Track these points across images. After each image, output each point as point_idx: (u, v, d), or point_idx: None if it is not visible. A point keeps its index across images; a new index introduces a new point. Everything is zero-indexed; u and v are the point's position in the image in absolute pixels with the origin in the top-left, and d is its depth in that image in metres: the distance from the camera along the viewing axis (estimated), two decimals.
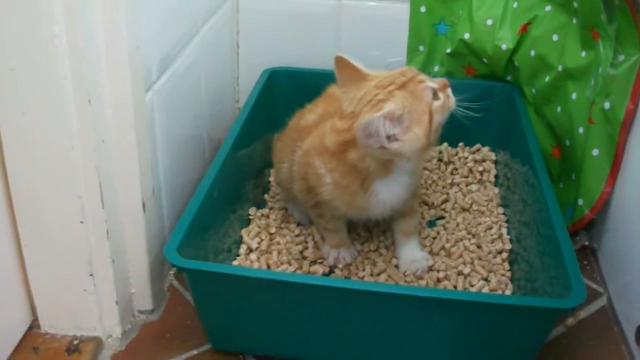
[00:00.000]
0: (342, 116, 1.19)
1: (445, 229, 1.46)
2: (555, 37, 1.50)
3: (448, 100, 1.18)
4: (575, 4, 1.42)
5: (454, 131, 1.63)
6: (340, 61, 1.18)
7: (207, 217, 1.24)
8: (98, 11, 1.03)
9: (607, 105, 1.34)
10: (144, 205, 1.19)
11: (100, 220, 1.12)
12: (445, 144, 1.70)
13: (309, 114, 1.39)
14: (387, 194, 1.24)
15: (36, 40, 0.98)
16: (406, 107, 1.12)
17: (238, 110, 1.83)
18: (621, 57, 1.32)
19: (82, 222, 1.11)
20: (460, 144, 1.71)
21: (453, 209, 1.52)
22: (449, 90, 1.19)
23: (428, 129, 1.14)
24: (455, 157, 1.68)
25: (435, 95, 1.16)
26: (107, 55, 1.06)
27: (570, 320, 1.31)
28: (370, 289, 1.09)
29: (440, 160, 1.67)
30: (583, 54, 1.42)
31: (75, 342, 1.21)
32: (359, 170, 1.20)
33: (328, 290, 1.10)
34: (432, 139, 1.16)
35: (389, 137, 1.11)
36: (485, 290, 1.29)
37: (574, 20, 1.45)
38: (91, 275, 1.16)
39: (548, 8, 1.52)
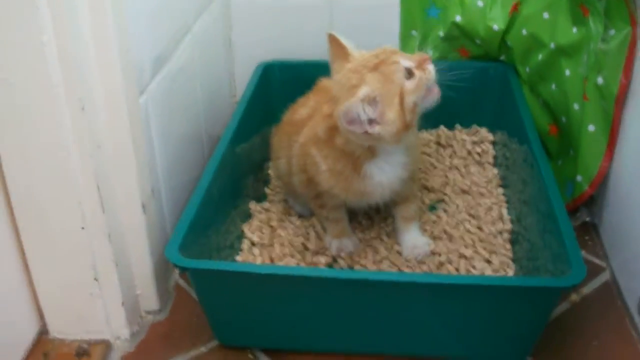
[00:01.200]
0: (328, 100, 1.20)
1: (445, 212, 1.46)
2: (546, 15, 1.50)
3: (425, 77, 1.15)
4: None
5: (450, 113, 1.65)
6: (332, 40, 1.20)
7: (208, 215, 1.25)
8: (86, 18, 1.03)
9: (600, 80, 1.34)
10: (143, 207, 1.20)
11: (100, 225, 1.13)
12: (442, 127, 1.71)
13: (302, 108, 1.39)
14: (382, 175, 1.24)
15: (27, 50, 0.99)
16: (378, 89, 1.12)
17: (235, 105, 1.83)
18: (612, 32, 1.32)
19: (83, 228, 1.12)
20: (458, 126, 1.72)
21: (453, 191, 1.53)
22: (429, 66, 1.16)
23: (400, 111, 1.13)
24: (453, 140, 1.68)
25: (410, 74, 1.14)
26: (98, 60, 1.07)
27: (574, 297, 1.31)
28: (374, 278, 1.11)
29: (438, 143, 1.67)
30: (574, 30, 1.42)
31: (85, 346, 1.22)
32: (348, 154, 1.21)
33: (331, 282, 1.11)
34: (408, 120, 1.14)
35: (370, 122, 1.11)
36: (488, 271, 1.30)
37: None
38: (96, 279, 1.17)
39: None
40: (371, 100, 1.11)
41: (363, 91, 1.11)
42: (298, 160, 1.32)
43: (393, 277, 1.16)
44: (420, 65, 1.15)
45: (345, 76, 1.15)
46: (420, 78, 1.14)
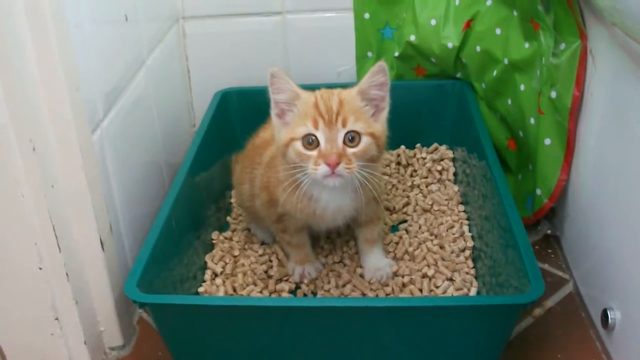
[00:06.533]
0: None
1: (407, 232, 1.47)
2: (498, 31, 1.51)
3: (311, 170, 1.15)
4: None
5: (410, 133, 1.66)
6: None
7: (169, 247, 1.25)
8: (32, 59, 1.04)
9: (553, 94, 1.36)
10: (102, 243, 1.20)
11: (58, 264, 1.13)
12: (402, 147, 1.71)
13: (263, 132, 1.40)
14: (330, 201, 1.24)
15: None
16: (302, 104, 1.19)
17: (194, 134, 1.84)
18: (562, 46, 1.33)
19: (40, 268, 1.12)
20: (418, 145, 1.72)
21: (414, 211, 1.53)
22: (321, 167, 1.14)
23: (289, 134, 1.19)
24: (414, 159, 1.68)
25: (316, 144, 1.16)
26: (47, 100, 1.07)
27: (538, 311, 1.32)
28: (334, 305, 1.11)
29: (398, 163, 1.68)
30: (526, 45, 1.43)
31: None
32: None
33: (292, 310, 1.11)
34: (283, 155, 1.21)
35: (279, 110, 1.22)
36: (450, 290, 1.30)
37: (514, 13, 1.46)
38: (56, 319, 1.17)
39: (489, 3, 1.53)
40: (291, 97, 1.20)
41: (300, 92, 1.20)
42: (261, 179, 1.33)
43: (351, 302, 1.15)
44: (321, 159, 1.15)
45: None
46: (307, 156, 1.16)
